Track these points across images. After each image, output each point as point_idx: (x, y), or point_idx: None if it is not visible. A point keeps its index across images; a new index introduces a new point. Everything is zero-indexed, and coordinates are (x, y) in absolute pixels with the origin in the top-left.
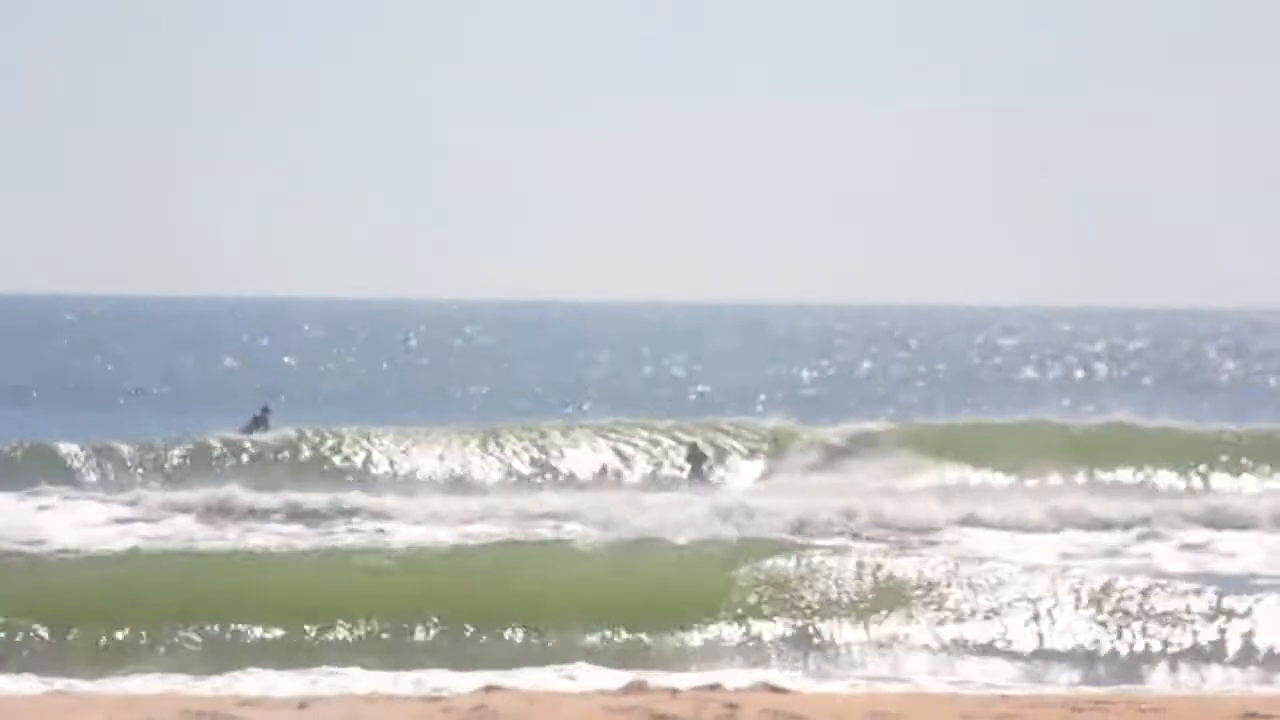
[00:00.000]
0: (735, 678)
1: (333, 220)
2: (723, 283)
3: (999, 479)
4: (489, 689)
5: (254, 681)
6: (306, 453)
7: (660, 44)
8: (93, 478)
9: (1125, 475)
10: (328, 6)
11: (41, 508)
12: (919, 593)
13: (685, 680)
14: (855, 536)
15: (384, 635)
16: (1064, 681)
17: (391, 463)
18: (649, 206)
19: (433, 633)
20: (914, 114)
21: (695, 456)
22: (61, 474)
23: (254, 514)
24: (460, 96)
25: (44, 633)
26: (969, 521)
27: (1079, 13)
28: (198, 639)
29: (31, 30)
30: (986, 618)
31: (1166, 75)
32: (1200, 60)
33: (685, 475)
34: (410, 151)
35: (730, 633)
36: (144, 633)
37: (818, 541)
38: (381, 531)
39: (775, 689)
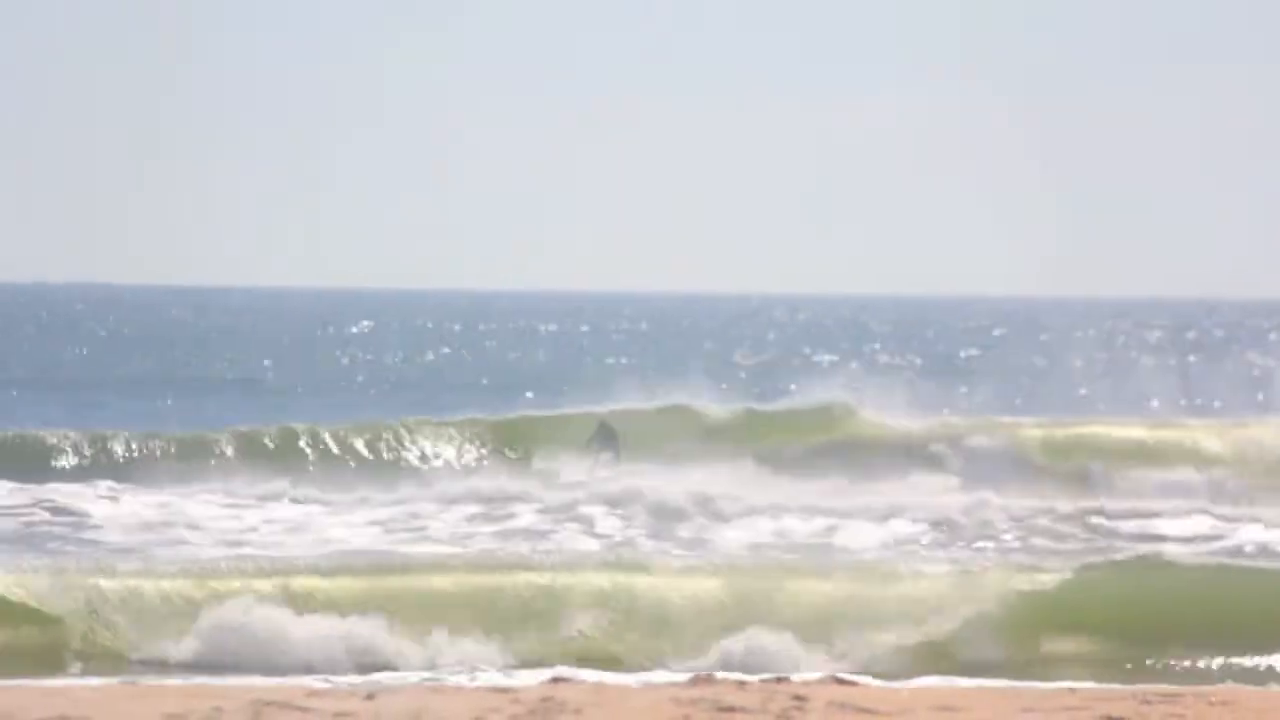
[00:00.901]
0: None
1: (331, 216)
2: (721, 277)
3: None
4: (556, 680)
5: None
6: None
7: (660, 44)
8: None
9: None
10: (328, 6)
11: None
12: None
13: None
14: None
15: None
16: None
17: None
18: (648, 205)
19: None
20: (914, 114)
21: (606, 434)
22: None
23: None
24: (461, 96)
25: None
26: None
27: (1079, 13)
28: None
29: (31, 30)
30: None
31: (1166, 75)
32: (1200, 60)
33: (596, 455)
34: (409, 150)
35: None
36: None
37: None
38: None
39: (842, 681)
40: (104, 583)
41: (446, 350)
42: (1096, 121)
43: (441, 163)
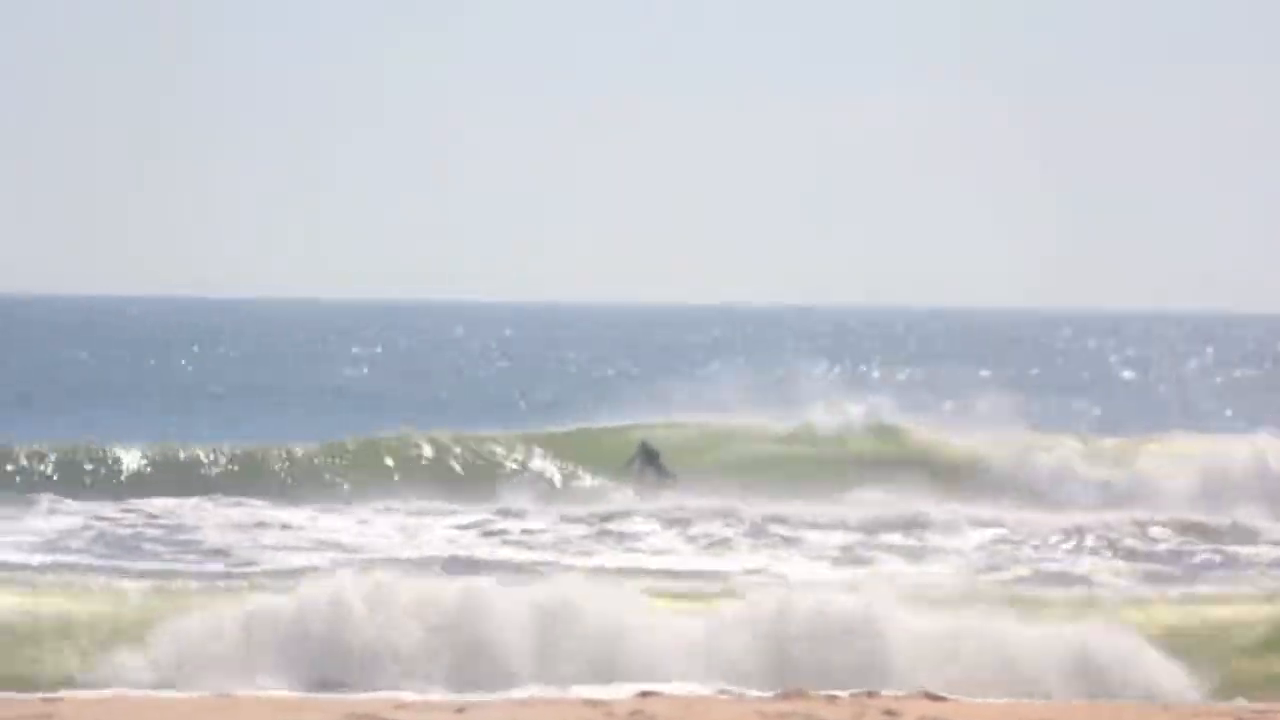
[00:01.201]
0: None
1: (331, 216)
2: (721, 283)
3: None
4: (646, 694)
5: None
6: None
7: (660, 44)
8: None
9: None
10: (328, 6)
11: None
12: None
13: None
14: None
15: None
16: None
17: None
18: (648, 205)
19: None
20: (914, 114)
21: (648, 454)
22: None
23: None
24: (461, 96)
25: None
26: None
27: (1079, 13)
28: None
29: (31, 30)
30: None
31: (1166, 75)
32: (1200, 60)
33: (637, 473)
34: (409, 150)
35: None
36: None
37: None
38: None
39: (934, 697)
40: (221, 599)
41: (531, 361)
42: (1096, 122)
43: (441, 163)
